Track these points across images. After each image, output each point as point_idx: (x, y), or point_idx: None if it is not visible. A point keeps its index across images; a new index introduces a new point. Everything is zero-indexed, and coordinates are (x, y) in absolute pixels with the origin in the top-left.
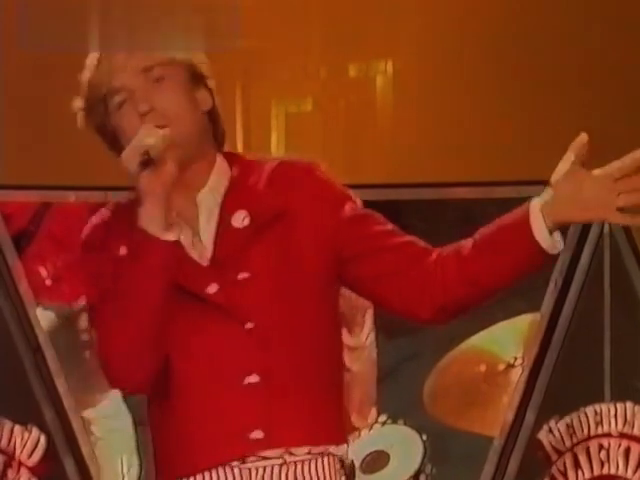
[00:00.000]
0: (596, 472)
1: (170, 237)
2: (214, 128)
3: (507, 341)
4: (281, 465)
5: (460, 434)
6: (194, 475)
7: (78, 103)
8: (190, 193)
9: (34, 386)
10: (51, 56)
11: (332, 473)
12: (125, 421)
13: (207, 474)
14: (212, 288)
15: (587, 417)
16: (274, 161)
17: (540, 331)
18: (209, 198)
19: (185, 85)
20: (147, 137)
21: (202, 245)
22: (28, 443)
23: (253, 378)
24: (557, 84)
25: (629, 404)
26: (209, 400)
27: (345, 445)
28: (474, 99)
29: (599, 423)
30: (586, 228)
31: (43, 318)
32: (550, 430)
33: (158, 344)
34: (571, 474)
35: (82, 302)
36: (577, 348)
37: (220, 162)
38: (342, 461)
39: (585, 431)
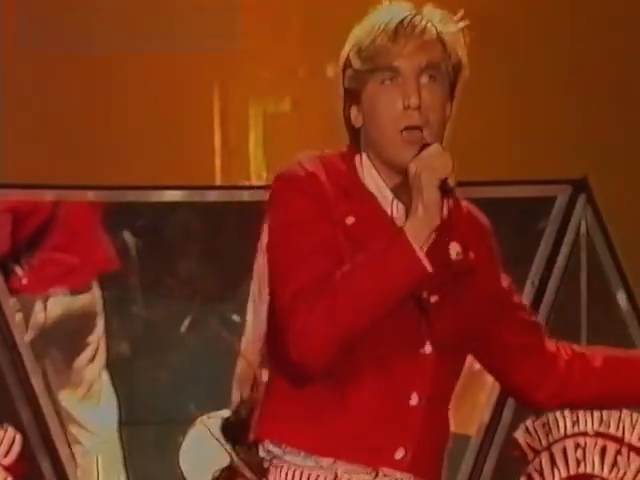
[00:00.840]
0: (572, 471)
1: (429, 268)
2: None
3: None
4: None
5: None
6: (334, 459)
7: (348, 53)
8: None
9: (10, 385)
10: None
11: None
12: (111, 423)
13: (341, 465)
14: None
15: (563, 416)
16: (463, 201)
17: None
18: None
19: (446, 94)
20: (449, 166)
21: None
22: (4, 442)
23: (414, 400)
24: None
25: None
26: (371, 404)
27: None
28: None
29: (575, 422)
30: (563, 228)
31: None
32: (527, 429)
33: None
34: (547, 473)
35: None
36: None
37: None
38: None
39: (561, 430)
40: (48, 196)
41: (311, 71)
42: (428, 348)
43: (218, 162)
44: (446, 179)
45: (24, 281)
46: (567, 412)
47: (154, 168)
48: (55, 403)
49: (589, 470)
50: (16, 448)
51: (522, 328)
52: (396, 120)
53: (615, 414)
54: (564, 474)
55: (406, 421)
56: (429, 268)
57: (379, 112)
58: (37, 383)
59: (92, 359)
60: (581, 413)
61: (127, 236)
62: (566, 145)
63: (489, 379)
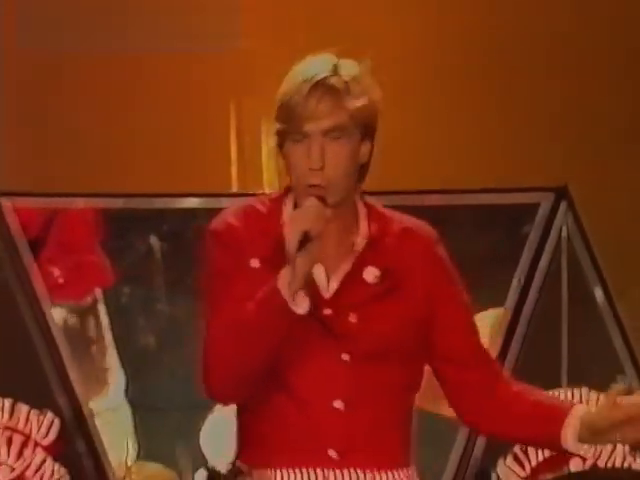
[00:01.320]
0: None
1: (300, 311)
2: (360, 173)
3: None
4: None
5: (432, 417)
6: (271, 469)
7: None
8: (339, 235)
9: (49, 375)
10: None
11: None
12: (125, 411)
13: (285, 472)
14: (327, 311)
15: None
16: (401, 223)
17: (505, 323)
18: (356, 244)
19: (356, 145)
20: (311, 220)
21: (328, 284)
22: (43, 425)
23: (338, 404)
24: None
25: (584, 389)
26: (299, 413)
27: (411, 467)
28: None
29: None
30: (546, 232)
31: (56, 315)
32: None
33: (264, 372)
34: (531, 453)
35: (89, 299)
36: (537, 339)
37: (362, 210)
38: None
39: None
40: (79, 203)
41: None
42: (345, 357)
43: (234, 171)
44: (307, 231)
45: (60, 281)
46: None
47: (176, 177)
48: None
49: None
50: (54, 430)
51: (455, 356)
52: (304, 177)
53: (593, 396)
54: (545, 454)
55: (332, 424)
56: (299, 310)
57: (292, 167)
58: (72, 373)
59: (112, 356)
60: (563, 395)
61: (153, 240)
62: (549, 154)
63: None
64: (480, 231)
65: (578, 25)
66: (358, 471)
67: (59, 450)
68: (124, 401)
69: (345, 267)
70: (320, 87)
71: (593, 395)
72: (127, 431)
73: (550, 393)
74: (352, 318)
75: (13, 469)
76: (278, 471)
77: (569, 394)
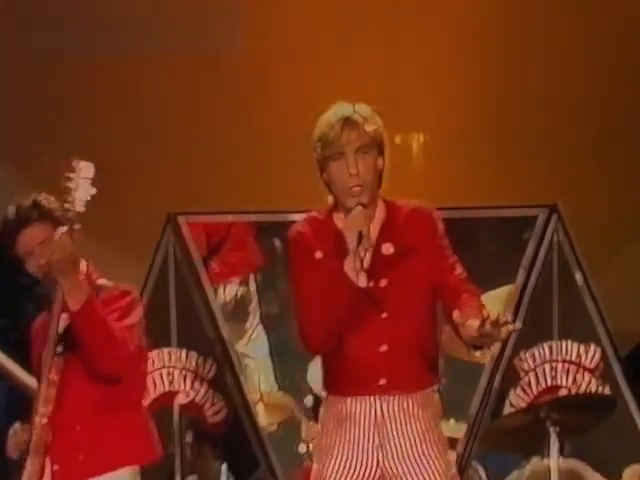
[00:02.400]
0: (548, 384)
1: (361, 285)
2: (379, 179)
3: (494, 303)
4: (400, 398)
5: (464, 362)
6: (341, 396)
7: (316, 141)
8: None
9: (209, 332)
10: None
11: (432, 406)
12: (262, 355)
13: (350, 399)
14: (368, 277)
15: (544, 349)
16: (409, 206)
17: (515, 295)
18: (372, 230)
19: (376, 158)
20: (362, 222)
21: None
22: (206, 366)
23: (384, 347)
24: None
25: (569, 341)
26: (358, 357)
27: (438, 383)
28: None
29: (551, 353)
30: (542, 236)
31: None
32: (520, 357)
33: (337, 331)
34: (534, 384)
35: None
36: (537, 307)
37: (380, 204)
38: (439, 392)
39: (542, 358)
40: (229, 218)
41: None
42: (384, 314)
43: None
44: (360, 231)
45: (216, 271)
46: (546, 346)
47: (291, 197)
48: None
49: (558, 383)
50: (213, 370)
51: (450, 284)
52: (346, 182)
53: (575, 347)
54: (543, 386)
55: (380, 362)
56: (361, 284)
57: (336, 179)
58: (225, 333)
59: (252, 320)
60: (554, 348)
61: (276, 242)
62: (544, 177)
63: None
64: (496, 235)
65: (563, 55)
66: (399, 393)
67: (217, 383)
68: (263, 349)
69: (371, 240)
70: (347, 122)
71: (575, 346)
72: (262, 369)
73: (547, 344)
74: (382, 283)
75: (188, 395)
76: (347, 398)
77: (559, 345)
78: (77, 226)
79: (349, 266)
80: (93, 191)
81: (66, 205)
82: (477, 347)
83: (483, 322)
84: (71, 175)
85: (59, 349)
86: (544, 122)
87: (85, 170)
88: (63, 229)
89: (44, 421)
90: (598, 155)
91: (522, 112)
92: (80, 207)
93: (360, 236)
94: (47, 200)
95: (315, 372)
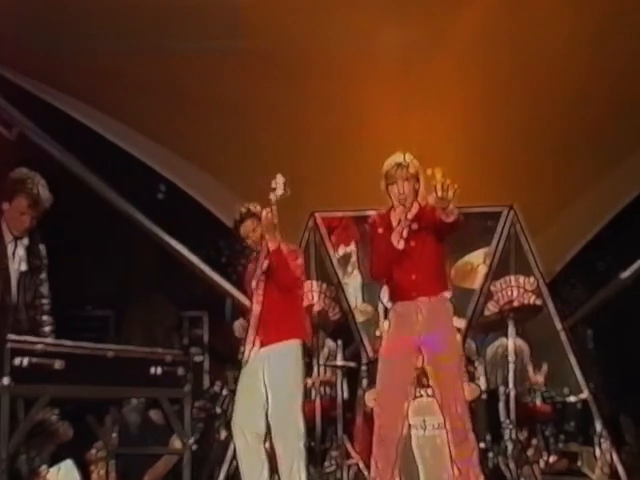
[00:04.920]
0: (508, 299)
1: (400, 247)
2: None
3: (478, 258)
4: (426, 302)
5: (462, 289)
6: (397, 302)
7: (384, 174)
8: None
9: (331, 275)
10: None
11: (445, 305)
12: (358, 284)
13: (401, 303)
14: (405, 243)
15: (506, 280)
16: (428, 205)
17: (490, 255)
18: (409, 216)
19: (415, 183)
20: (400, 215)
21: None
22: (331, 289)
23: (414, 276)
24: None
25: (519, 275)
26: (401, 282)
27: (450, 291)
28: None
29: (510, 282)
30: (503, 229)
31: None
32: (494, 285)
33: (388, 268)
34: (500, 299)
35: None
36: (503, 260)
37: (415, 205)
38: (449, 298)
39: (505, 284)
40: (339, 214)
41: None
42: (412, 260)
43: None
44: (400, 218)
45: (334, 240)
46: (507, 278)
47: (372, 200)
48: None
49: (513, 298)
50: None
51: (441, 228)
52: (397, 197)
53: (522, 278)
54: (505, 300)
55: (412, 284)
56: (399, 247)
57: (392, 194)
58: (339, 273)
59: (352, 266)
60: (512, 278)
61: (366, 225)
62: (507, 185)
63: (481, 272)
64: (473, 223)
65: (533, 59)
66: (424, 297)
67: (335, 299)
68: (357, 281)
69: (407, 224)
70: (399, 165)
71: (522, 278)
72: (357, 291)
73: (508, 277)
74: (412, 244)
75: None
76: (399, 303)
77: (514, 278)
78: (274, 207)
79: (394, 237)
80: (282, 192)
81: (271, 196)
82: (446, 209)
83: (438, 194)
84: (274, 183)
85: (263, 277)
86: (507, 147)
87: (281, 181)
88: (268, 209)
89: (257, 308)
90: (543, 170)
91: (490, 140)
92: (276, 196)
93: (399, 221)
94: (253, 205)
95: (383, 293)
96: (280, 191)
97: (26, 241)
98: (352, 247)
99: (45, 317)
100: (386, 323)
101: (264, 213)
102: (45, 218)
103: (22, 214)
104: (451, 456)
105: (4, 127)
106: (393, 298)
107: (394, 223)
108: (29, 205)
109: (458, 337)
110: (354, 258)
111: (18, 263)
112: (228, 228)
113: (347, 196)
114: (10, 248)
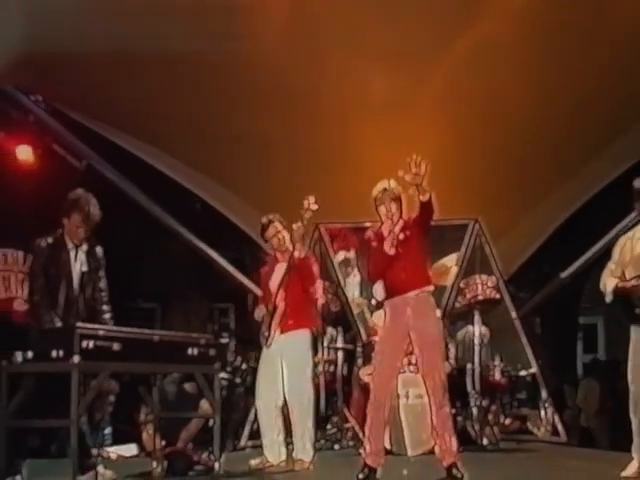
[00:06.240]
0: (474, 294)
1: (391, 253)
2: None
3: (450, 261)
4: (414, 296)
5: (438, 286)
6: (388, 300)
7: (373, 197)
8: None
9: (333, 276)
10: None
11: (429, 299)
12: (357, 282)
13: (393, 298)
14: (394, 250)
15: (472, 278)
16: (409, 216)
17: (460, 258)
18: (396, 229)
19: (400, 203)
20: (389, 227)
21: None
22: (333, 287)
23: (403, 275)
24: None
25: (483, 275)
26: (392, 280)
27: (432, 285)
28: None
29: (474, 280)
30: (470, 239)
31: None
32: (462, 282)
33: (382, 271)
34: (468, 294)
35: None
36: (470, 262)
37: (400, 221)
38: (431, 292)
39: (471, 282)
40: (339, 225)
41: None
42: (401, 263)
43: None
44: (390, 230)
45: (335, 247)
46: (475, 278)
47: (367, 214)
48: None
49: (478, 293)
50: (333, 289)
51: (422, 224)
52: (385, 215)
53: (485, 277)
54: (472, 294)
55: (402, 279)
56: (391, 253)
57: (380, 212)
58: (340, 274)
59: (353, 268)
60: (477, 277)
61: (364, 235)
62: (474, 202)
63: (453, 271)
64: (445, 233)
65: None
66: (412, 292)
67: (334, 291)
68: (356, 280)
69: (395, 236)
70: (385, 190)
71: (485, 277)
72: (355, 288)
73: (474, 277)
74: (400, 250)
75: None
76: (390, 299)
77: (478, 277)
78: (306, 222)
79: (386, 245)
80: (316, 209)
81: (306, 214)
82: (419, 186)
83: (412, 170)
84: (305, 204)
85: (287, 277)
86: (473, 171)
87: (312, 201)
88: (299, 225)
89: (282, 304)
90: (503, 189)
91: (459, 165)
92: (311, 212)
93: (390, 232)
94: (272, 216)
95: (375, 290)
96: (314, 207)
97: (85, 247)
98: (352, 253)
99: (104, 307)
100: (377, 314)
101: (295, 227)
102: (106, 230)
103: (78, 227)
104: (431, 420)
105: (75, 159)
106: (388, 294)
107: (385, 234)
108: (82, 220)
109: (440, 322)
110: (354, 262)
111: (79, 265)
112: (249, 237)
113: (345, 209)
114: (72, 254)
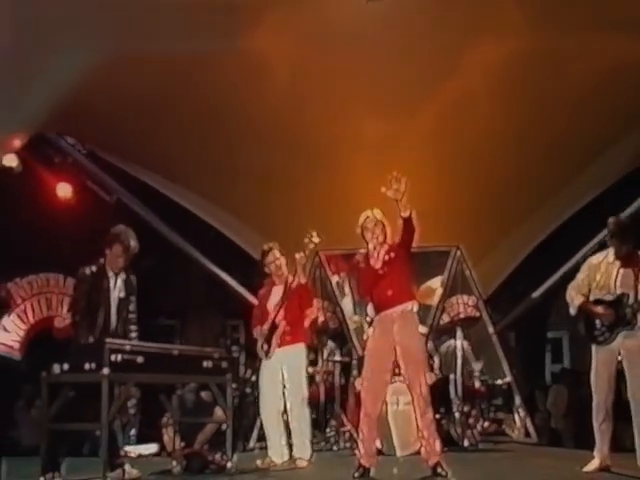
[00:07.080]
0: (456, 312)
1: (380, 273)
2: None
3: (435, 283)
4: (400, 312)
5: (425, 305)
6: (378, 313)
7: (359, 224)
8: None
9: (332, 297)
10: None
11: (414, 316)
12: (350, 301)
13: (381, 314)
14: (380, 270)
15: (457, 299)
16: (393, 240)
17: (444, 281)
18: (382, 252)
19: (384, 228)
20: (376, 250)
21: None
22: (330, 307)
23: (389, 292)
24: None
25: (464, 295)
26: (379, 297)
27: (415, 301)
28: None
29: (457, 301)
30: (452, 264)
31: None
32: (445, 303)
33: (371, 288)
34: (451, 313)
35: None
36: (452, 285)
37: (385, 245)
38: (415, 307)
39: (455, 302)
40: (336, 252)
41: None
42: (387, 280)
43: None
44: (377, 252)
45: (330, 271)
46: (455, 298)
47: (357, 241)
48: None
49: (460, 312)
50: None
51: (404, 244)
52: (371, 240)
53: (466, 297)
54: (454, 313)
55: (388, 297)
56: (379, 272)
57: (366, 238)
58: (338, 295)
59: (347, 290)
60: (459, 297)
61: (354, 260)
62: (456, 230)
63: (438, 292)
64: (430, 258)
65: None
66: (398, 307)
67: (335, 311)
68: (350, 300)
69: (381, 257)
70: (370, 218)
71: (466, 297)
72: (349, 307)
73: (455, 296)
74: (385, 270)
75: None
76: (379, 314)
77: (460, 297)
78: (308, 252)
79: (375, 266)
80: (319, 241)
81: (306, 240)
82: (400, 201)
83: (393, 186)
84: (309, 236)
85: (282, 301)
86: (455, 202)
87: (315, 235)
88: (302, 254)
89: (283, 323)
90: (482, 217)
91: (441, 197)
92: (314, 244)
93: (377, 254)
94: (272, 243)
95: (369, 308)
96: (316, 240)
97: (123, 275)
98: (343, 276)
99: (132, 326)
100: (370, 329)
101: (297, 257)
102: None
103: (118, 257)
104: (417, 425)
105: (106, 194)
106: (376, 310)
107: (371, 256)
108: (123, 251)
109: (422, 338)
110: (347, 284)
111: (118, 291)
112: (257, 261)
113: (340, 237)
114: (112, 281)
